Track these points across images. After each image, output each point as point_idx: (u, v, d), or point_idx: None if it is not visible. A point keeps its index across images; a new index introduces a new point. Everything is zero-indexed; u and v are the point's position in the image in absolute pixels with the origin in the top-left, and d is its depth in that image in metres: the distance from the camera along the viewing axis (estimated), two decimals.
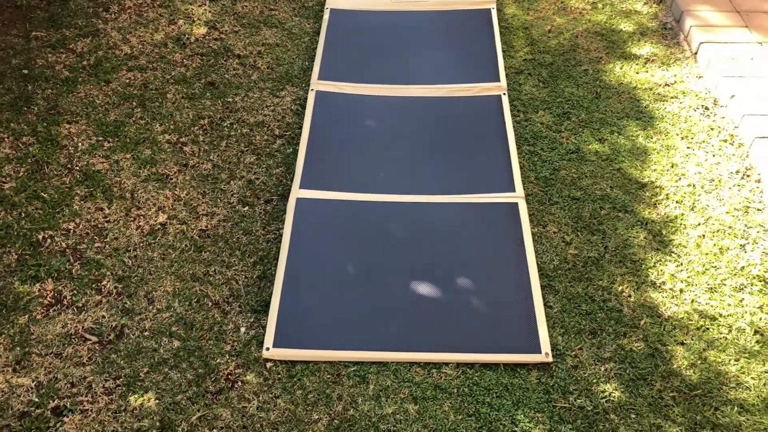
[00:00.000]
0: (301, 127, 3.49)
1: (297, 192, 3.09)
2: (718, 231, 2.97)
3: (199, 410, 2.39)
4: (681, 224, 3.01)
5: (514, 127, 3.50)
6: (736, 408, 2.41)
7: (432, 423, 2.36)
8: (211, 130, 3.46)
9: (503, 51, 3.97)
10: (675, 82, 3.75)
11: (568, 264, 2.86)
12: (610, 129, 3.47)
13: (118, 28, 4.05)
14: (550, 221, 3.03)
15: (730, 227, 2.98)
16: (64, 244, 2.90)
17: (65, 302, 2.70)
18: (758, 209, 3.05)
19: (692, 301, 2.72)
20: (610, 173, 3.24)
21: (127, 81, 3.72)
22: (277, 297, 2.68)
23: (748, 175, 3.20)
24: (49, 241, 2.91)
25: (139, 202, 3.09)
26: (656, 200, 3.11)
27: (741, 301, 2.73)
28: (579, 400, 2.43)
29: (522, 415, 2.38)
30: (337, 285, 2.76)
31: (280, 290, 2.71)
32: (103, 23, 4.08)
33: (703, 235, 2.96)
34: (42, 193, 3.09)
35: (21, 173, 3.17)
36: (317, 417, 2.37)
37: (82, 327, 2.62)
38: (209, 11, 4.23)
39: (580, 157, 3.33)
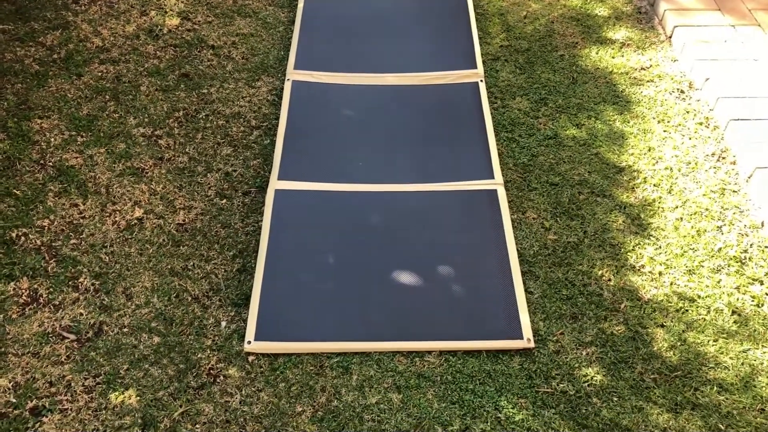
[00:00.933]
0: (277, 118, 3.46)
1: (275, 183, 3.06)
2: (695, 213, 3.00)
3: (181, 406, 2.36)
4: (659, 207, 3.03)
5: (491, 113, 3.50)
6: (715, 388, 2.44)
7: (416, 411, 2.36)
8: (187, 123, 3.42)
9: (479, 38, 3.96)
10: (650, 65, 3.76)
11: (548, 249, 2.87)
12: (587, 114, 3.48)
13: (89, 20, 3.98)
14: (530, 207, 3.04)
15: (707, 209, 3.01)
16: (38, 242, 2.85)
17: (41, 300, 2.66)
18: (734, 191, 3.08)
19: (671, 284, 2.75)
20: (588, 158, 3.26)
21: (99, 74, 3.66)
22: (257, 290, 2.66)
23: (723, 157, 3.23)
24: (23, 239, 2.85)
25: (114, 197, 3.04)
26: (634, 184, 3.13)
27: (719, 282, 2.75)
28: (561, 385, 2.44)
29: (505, 401, 2.39)
30: (317, 276, 2.74)
31: (260, 283, 2.69)
32: (73, 15, 4.00)
33: (681, 218, 2.98)
34: (14, 190, 3.03)
35: None
36: (301, 409, 2.36)
37: (60, 325, 2.58)
38: (182, 2, 4.16)
39: (558, 143, 3.33)
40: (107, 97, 3.53)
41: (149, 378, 2.44)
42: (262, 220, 2.94)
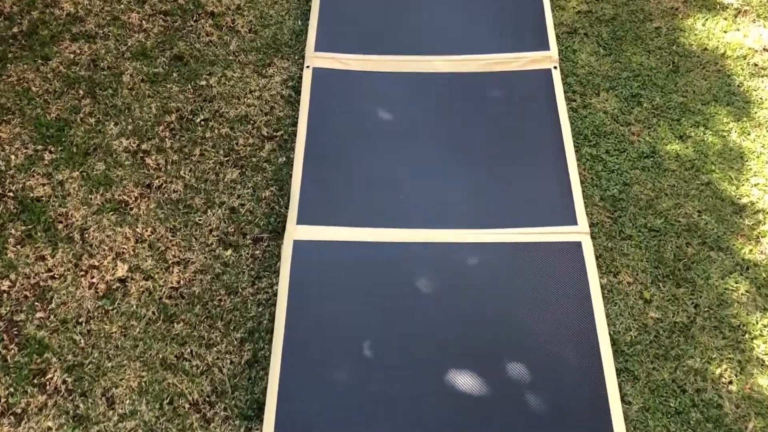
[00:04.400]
0: (295, 124, 2.72)
1: (294, 230, 2.38)
2: None
3: None
4: None
5: (569, 116, 2.72)
6: None
7: None
8: (181, 131, 2.70)
9: (551, 1, 3.09)
10: None
11: (649, 334, 2.21)
12: (693, 119, 2.70)
13: None
14: (623, 266, 2.35)
15: None
16: None
17: None
18: None
19: None
20: (697, 189, 2.52)
21: (72, 56, 2.90)
22: (272, 398, 2.05)
23: None
24: None
25: (91, 246, 2.39)
26: (758, 231, 2.41)
27: None
28: None
29: None
30: (353, 372, 2.12)
31: (276, 387, 2.07)
32: None
33: None
34: None
35: None
36: None
37: None
38: None
39: (657, 164, 2.58)
40: (81, 91, 2.80)
41: None
42: (277, 284, 2.29)
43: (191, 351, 2.19)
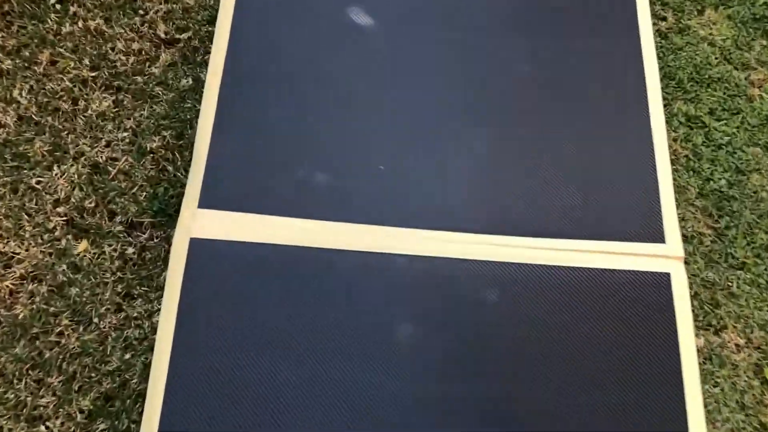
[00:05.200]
0: (213, 20, 1.66)
1: (193, 218, 1.40)
2: None
3: None
4: None
5: (655, 47, 1.71)
6: None
7: None
8: (23, 18, 1.64)
9: None
10: None
11: None
12: None
13: None
14: (731, 317, 1.45)
15: None
16: None
17: None
18: None
19: None
20: None
21: None
22: None
23: None
24: None
25: None
26: None
27: None
28: None
29: None
30: None
31: None
32: None
33: None
34: None
35: None
36: None
37: None
38: None
39: None
40: None
41: None
42: (159, 313, 1.35)
43: (2, 429, 1.27)
